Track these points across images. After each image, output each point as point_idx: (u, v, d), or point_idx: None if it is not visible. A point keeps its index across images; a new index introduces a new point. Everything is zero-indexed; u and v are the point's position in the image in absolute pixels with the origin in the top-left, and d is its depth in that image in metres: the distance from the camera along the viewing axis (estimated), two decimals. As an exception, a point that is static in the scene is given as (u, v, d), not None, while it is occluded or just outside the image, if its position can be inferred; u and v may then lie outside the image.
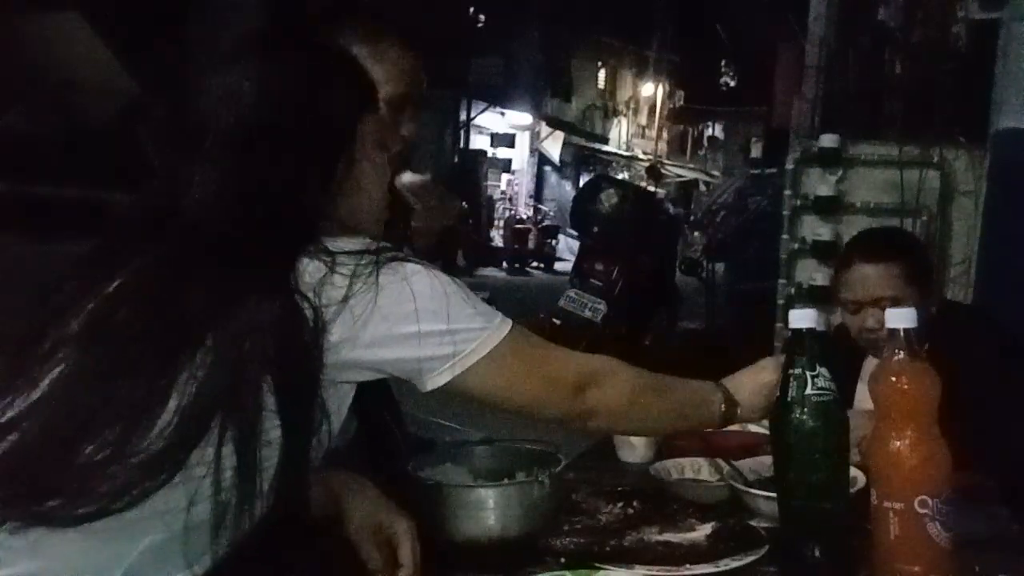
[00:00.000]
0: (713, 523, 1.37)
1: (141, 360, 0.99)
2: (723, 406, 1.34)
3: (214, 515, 1.00)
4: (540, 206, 21.98)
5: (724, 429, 1.88)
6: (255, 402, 0.99)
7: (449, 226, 1.93)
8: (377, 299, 1.06)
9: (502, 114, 21.62)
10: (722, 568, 1.23)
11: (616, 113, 28.20)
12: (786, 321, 1.57)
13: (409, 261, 1.12)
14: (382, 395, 1.86)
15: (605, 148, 26.83)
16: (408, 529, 1.24)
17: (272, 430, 1.02)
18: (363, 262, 1.08)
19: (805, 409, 1.19)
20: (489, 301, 1.47)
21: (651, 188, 8.87)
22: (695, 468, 1.66)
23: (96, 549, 0.98)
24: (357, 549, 1.24)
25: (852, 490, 1.30)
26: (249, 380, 0.99)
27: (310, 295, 1.04)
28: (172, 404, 0.97)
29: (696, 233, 10.48)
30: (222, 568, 1.06)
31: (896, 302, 1.84)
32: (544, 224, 19.85)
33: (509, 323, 1.17)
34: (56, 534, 0.96)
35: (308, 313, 1.03)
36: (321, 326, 1.03)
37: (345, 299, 1.05)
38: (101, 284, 1.03)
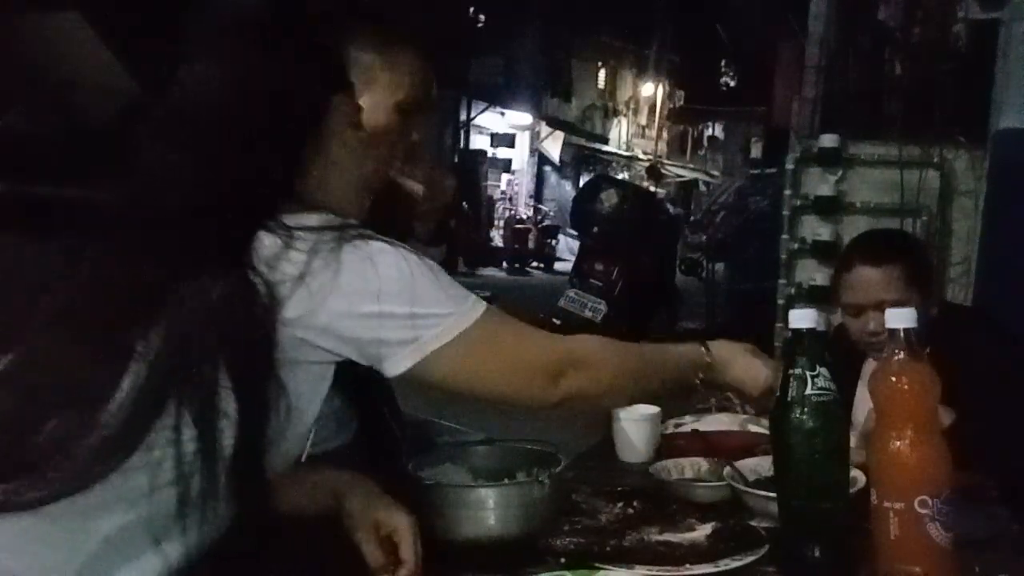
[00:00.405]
0: (713, 523, 1.37)
1: (94, 341, 0.96)
2: (707, 358, 1.41)
3: (179, 497, 0.97)
4: (540, 206, 21.98)
5: (724, 430, 1.90)
6: (210, 379, 0.96)
7: (448, 204, 1.92)
8: (338, 276, 1.03)
9: (502, 114, 21.63)
10: (722, 568, 1.23)
11: (616, 113, 28.20)
12: (786, 321, 1.57)
13: (376, 239, 1.08)
14: (382, 395, 1.86)
15: (605, 148, 26.84)
16: (409, 526, 1.24)
17: (231, 408, 0.99)
18: (325, 238, 1.04)
19: (805, 409, 1.19)
20: (490, 300, 1.46)
21: (651, 188, 8.87)
22: (695, 468, 1.66)
23: (54, 535, 0.95)
24: (358, 547, 1.24)
25: (852, 490, 1.30)
26: (202, 357, 0.96)
27: (264, 270, 1.00)
28: (126, 384, 0.94)
29: (696, 233, 10.48)
30: (204, 567, 1.05)
31: (898, 305, 1.83)
32: (544, 224, 19.86)
33: (482, 307, 1.13)
34: (10, 520, 0.93)
35: (261, 289, 1.00)
36: (274, 302, 1.00)
37: (302, 275, 1.01)
38: (60, 269, 0.99)
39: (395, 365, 1.09)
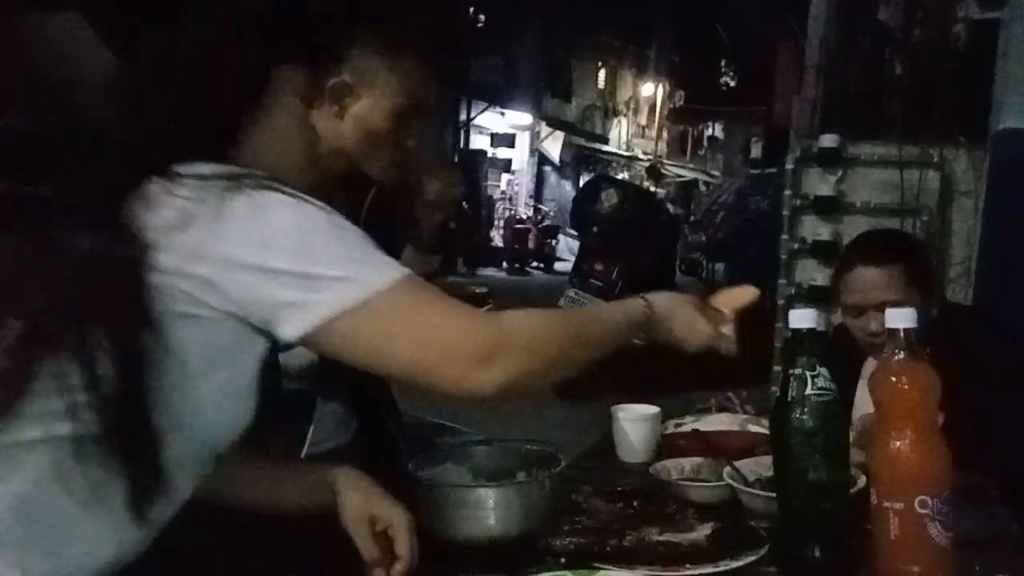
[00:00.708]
0: (713, 523, 1.37)
1: None
2: (646, 308, 1.29)
3: (75, 451, 0.94)
4: (540, 206, 21.98)
5: (724, 430, 1.90)
6: (86, 329, 0.93)
7: (455, 201, 1.93)
8: (222, 224, 0.95)
9: (502, 114, 21.63)
10: (722, 568, 1.23)
11: (616, 113, 28.20)
12: (786, 321, 1.57)
13: (279, 190, 1.00)
14: (380, 395, 1.86)
15: (605, 148, 26.84)
16: (405, 521, 1.24)
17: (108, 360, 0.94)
18: (214, 185, 0.97)
19: (805, 409, 1.19)
20: (488, 296, 1.47)
21: (651, 188, 8.87)
22: (695, 468, 1.66)
23: None
24: (354, 542, 1.24)
25: (852, 490, 1.30)
26: (75, 308, 0.93)
27: (142, 217, 0.95)
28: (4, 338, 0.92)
29: (696, 233, 10.49)
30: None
31: (898, 305, 1.83)
32: (544, 224, 19.86)
33: (395, 275, 1.02)
34: None
35: (135, 235, 0.94)
36: (146, 249, 0.94)
37: (184, 223, 0.95)
38: None
39: (285, 330, 0.99)
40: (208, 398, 1.00)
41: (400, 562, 1.22)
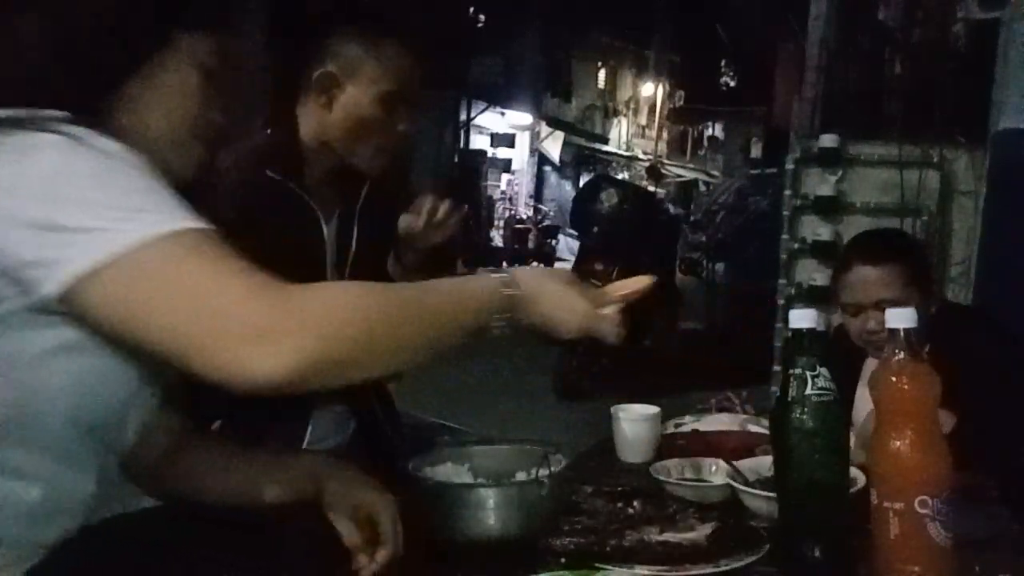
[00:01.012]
0: (713, 523, 1.37)
1: None
2: (507, 298, 1.08)
3: None
4: (540, 206, 21.98)
5: (724, 430, 1.90)
6: None
7: (450, 237, 1.91)
8: None
9: (502, 114, 21.62)
10: (722, 568, 1.22)
11: (616, 113, 28.21)
12: (786, 321, 1.57)
13: (58, 132, 0.90)
14: (378, 394, 1.86)
15: (605, 148, 26.84)
16: (388, 506, 1.23)
17: None
18: None
19: (805, 409, 1.19)
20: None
21: (651, 188, 8.86)
22: (695, 468, 1.66)
23: None
24: (336, 528, 1.24)
25: (852, 490, 1.30)
26: None
27: None
28: None
29: (696, 233, 10.49)
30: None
31: (896, 304, 1.84)
32: (544, 224, 19.86)
33: (164, 228, 0.88)
34: None
35: None
36: None
37: None
38: None
39: (43, 287, 0.87)
40: (34, 375, 0.93)
41: (385, 547, 1.21)
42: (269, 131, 1.74)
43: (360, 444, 1.79)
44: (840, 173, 4.32)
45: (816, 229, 4.33)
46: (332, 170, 1.74)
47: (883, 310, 1.83)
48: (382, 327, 0.95)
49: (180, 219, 0.90)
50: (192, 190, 1.04)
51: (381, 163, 1.74)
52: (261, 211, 1.61)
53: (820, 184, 4.33)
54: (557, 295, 1.14)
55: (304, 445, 1.68)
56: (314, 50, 1.68)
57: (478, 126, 20.94)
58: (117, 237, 0.86)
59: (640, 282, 1.27)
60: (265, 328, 0.87)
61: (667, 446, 1.81)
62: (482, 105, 20.08)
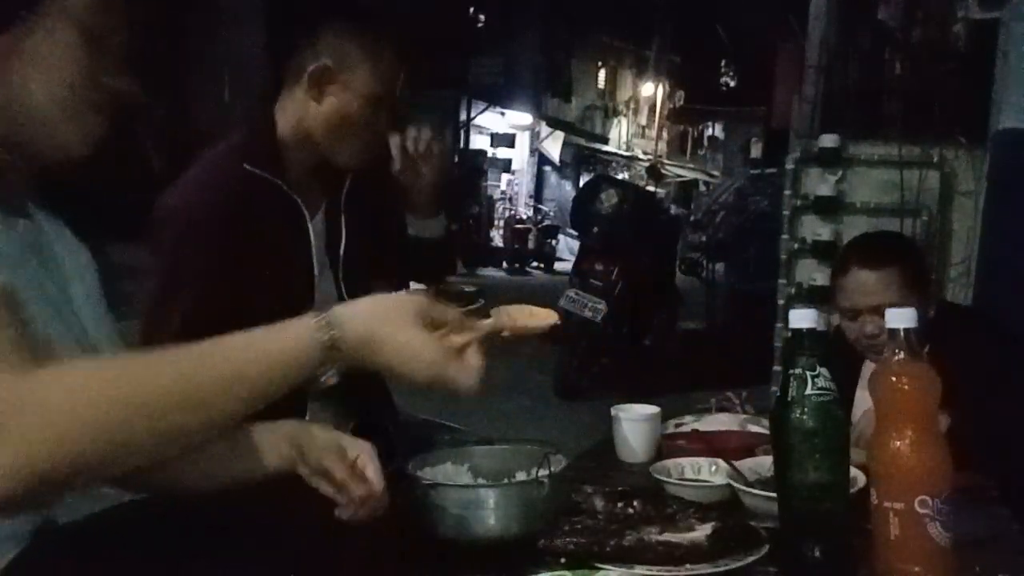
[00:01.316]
0: (713, 523, 1.37)
1: None
2: (326, 347, 0.93)
3: None
4: (540, 206, 21.97)
5: (724, 430, 1.90)
6: None
7: (437, 168, 1.88)
8: None
9: (502, 114, 21.63)
10: (722, 568, 1.22)
11: (616, 113, 28.21)
12: (786, 321, 1.57)
13: None
14: (377, 394, 1.86)
15: (605, 148, 26.84)
16: (369, 448, 1.20)
17: None
18: None
19: (805, 409, 1.19)
20: (480, 297, 1.43)
21: (651, 188, 8.84)
22: (695, 468, 1.66)
23: None
24: (319, 477, 1.18)
25: (852, 490, 1.30)
26: None
27: None
28: None
29: (696, 233, 10.49)
30: None
31: (894, 307, 1.84)
32: (544, 224, 19.85)
33: None
34: None
35: None
36: None
37: None
38: None
39: None
40: None
41: (368, 487, 1.17)
42: (246, 127, 1.76)
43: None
44: (840, 173, 4.32)
45: (816, 229, 4.33)
46: (312, 165, 1.75)
47: (881, 314, 1.83)
48: (141, 418, 0.80)
49: None
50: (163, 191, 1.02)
51: (359, 162, 1.76)
52: (242, 207, 1.63)
53: (820, 184, 4.33)
54: (397, 339, 0.97)
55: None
56: (306, 43, 1.69)
57: (478, 126, 20.94)
58: None
59: (534, 321, 1.16)
60: None
61: (667, 446, 1.81)
62: (482, 105, 20.08)
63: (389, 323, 0.98)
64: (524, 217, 20.46)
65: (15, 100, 0.97)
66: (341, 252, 1.79)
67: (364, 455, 1.20)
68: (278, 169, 1.69)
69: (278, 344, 0.91)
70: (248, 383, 0.88)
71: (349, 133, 1.71)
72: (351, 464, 1.19)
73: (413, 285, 1.77)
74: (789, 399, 1.21)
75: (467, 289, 1.75)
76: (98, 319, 1.11)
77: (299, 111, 1.70)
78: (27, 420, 0.73)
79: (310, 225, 1.73)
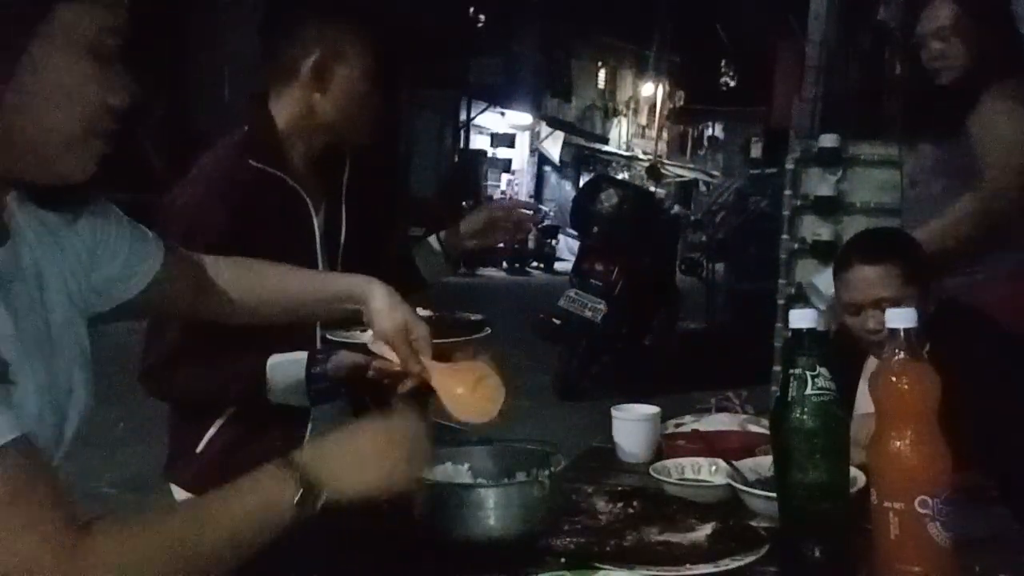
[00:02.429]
0: (713, 523, 1.37)
1: None
2: (298, 496, 1.00)
3: None
4: (540, 206, 21.98)
5: (724, 430, 1.90)
6: None
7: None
8: None
9: (502, 114, 21.64)
10: (722, 568, 1.23)
11: (616, 113, 28.23)
12: (786, 321, 1.57)
13: None
14: (376, 395, 1.86)
15: (605, 148, 26.85)
16: (427, 332, 1.33)
17: None
18: None
19: (805, 409, 1.19)
20: (484, 325, 1.47)
21: (651, 188, 8.86)
22: (695, 468, 1.66)
23: None
24: (386, 341, 1.34)
25: (852, 490, 1.30)
26: None
27: None
28: None
29: (696, 233, 10.50)
30: None
31: (896, 303, 1.86)
32: (544, 224, 19.86)
33: None
34: None
35: None
36: None
37: None
38: None
39: None
40: None
41: (425, 369, 1.32)
42: (246, 126, 1.77)
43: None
44: (840, 173, 4.32)
45: (816, 229, 4.32)
46: (313, 158, 1.77)
47: (883, 309, 1.86)
48: (178, 566, 0.92)
49: None
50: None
51: (372, 134, 1.80)
52: (249, 202, 1.64)
53: (820, 184, 4.33)
54: (352, 464, 1.08)
55: (305, 443, 1.68)
56: (291, 41, 1.71)
57: (478, 126, 20.95)
58: None
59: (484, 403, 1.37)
60: None
61: (667, 446, 1.81)
62: (482, 105, 20.09)
63: (346, 451, 1.10)
64: (524, 217, 20.43)
65: (16, 135, 0.90)
66: (341, 243, 1.80)
67: (422, 339, 1.32)
68: (281, 163, 1.71)
69: (270, 493, 1.00)
70: (247, 537, 0.98)
71: (361, 109, 1.75)
72: (410, 342, 1.32)
73: (420, 311, 1.78)
74: (789, 399, 1.21)
75: (472, 317, 1.75)
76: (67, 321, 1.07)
77: (301, 105, 1.73)
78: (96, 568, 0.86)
79: (315, 219, 1.75)
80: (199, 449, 1.67)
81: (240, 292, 1.34)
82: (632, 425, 1.83)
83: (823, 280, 2.39)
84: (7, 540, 0.83)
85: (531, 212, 2.02)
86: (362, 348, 1.55)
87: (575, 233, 9.89)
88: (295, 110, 1.73)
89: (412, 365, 1.32)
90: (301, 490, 1.00)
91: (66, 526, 0.86)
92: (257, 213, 1.65)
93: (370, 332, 1.43)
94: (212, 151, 1.75)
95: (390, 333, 1.32)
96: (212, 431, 1.67)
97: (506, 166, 22.09)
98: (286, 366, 1.63)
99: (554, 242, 19.28)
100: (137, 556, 0.89)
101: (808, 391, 1.19)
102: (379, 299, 1.33)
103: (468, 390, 1.35)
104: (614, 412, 1.85)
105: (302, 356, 1.63)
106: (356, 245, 1.81)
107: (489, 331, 1.67)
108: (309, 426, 1.69)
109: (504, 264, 18.17)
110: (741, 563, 1.24)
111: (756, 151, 21.69)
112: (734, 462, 1.59)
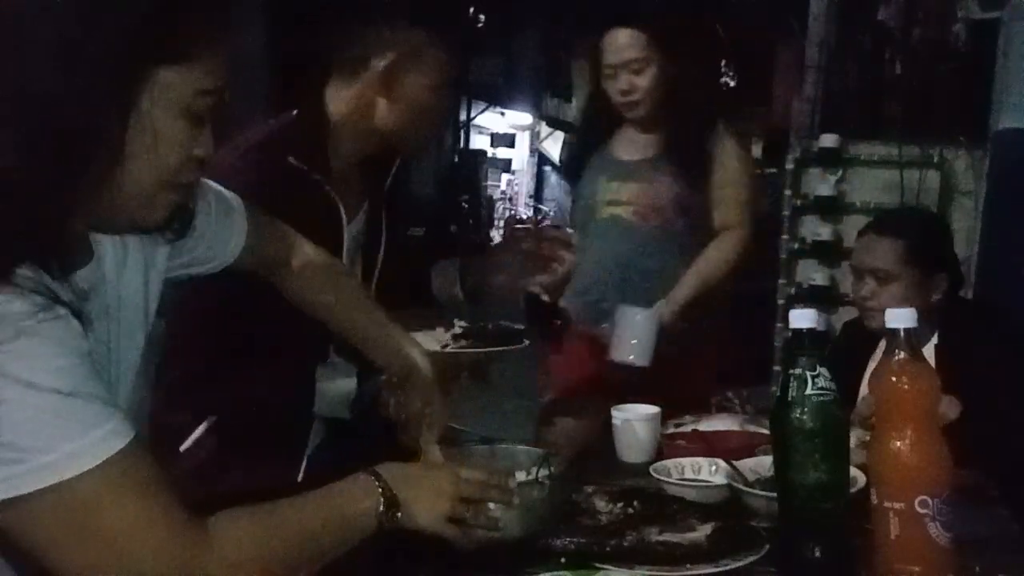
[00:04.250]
0: (713, 523, 1.37)
1: None
2: (381, 507, 1.07)
3: None
4: (540, 206, 21.97)
5: (724, 430, 1.90)
6: None
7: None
8: None
9: (502, 114, 21.61)
10: (722, 568, 1.23)
11: (616, 113, 28.18)
12: (786, 321, 1.57)
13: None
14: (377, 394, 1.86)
15: (605, 148, 26.80)
16: (443, 421, 1.38)
17: None
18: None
19: (805, 409, 1.19)
20: (525, 335, 1.47)
21: (651, 188, 8.84)
22: (695, 468, 1.66)
23: None
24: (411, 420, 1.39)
25: (852, 490, 1.30)
26: None
27: None
28: None
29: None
30: None
31: (889, 277, 1.97)
32: (544, 224, 19.85)
33: (90, 460, 0.84)
34: None
35: None
36: None
37: None
38: None
39: None
40: None
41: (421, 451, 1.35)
42: (296, 114, 1.68)
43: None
44: (840, 173, 4.32)
45: (816, 229, 4.33)
46: (358, 161, 1.70)
47: (878, 279, 1.95)
48: (278, 559, 0.99)
49: (101, 444, 0.85)
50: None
51: (425, 146, 1.77)
52: (279, 201, 1.50)
53: (820, 184, 4.33)
54: (429, 498, 1.14)
55: (308, 451, 1.67)
56: (367, 36, 1.65)
57: (478, 126, 20.93)
58: (27, 476, 0.82)
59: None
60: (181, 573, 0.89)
61: (667, 446, 1.81)
62: (482, 105, 20.07)
63: (425, 481, 1.16)
64: (524, 217, 20.45)
65: (107, 184, 0.91)
66: (380, 255, 1.76)
67: (435, 423, 1.37)
68: (323, 165, 1.61)
69: (351, 506, 1.08)
70: (330, 538, 1.06)
71: (423, 119, 1.70)
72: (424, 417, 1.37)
73: (457, 323, 1.77)
74: (789, 399, 1.21)
75: (514, 326, 1.74)
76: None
77: (362, 104, 1.64)
78: (221, 566, 0.91)
79: (345, 230, 1.66)
80: (183, 448, 1.61)
81: (314, 291, 1.44)
82: (632, 425, 1.83)
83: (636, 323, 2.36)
84: (141, 534, 0.87)
85: (567, 241, 1.81)
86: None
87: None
88: (353, 109, 1.64)
89: (412, 442, 1.36)
90: (383, 502, 1.06)
91: (189, 518, 0.91)
92: (287, 216, 1.50)
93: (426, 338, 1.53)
94: (247, 139, 1.64)
95: (411, 412, 1.38)
96: (200, 432, 1.61)
97: (506, 166, 22.07)
98: (338, 381, 1.65)
99: (554, 242, 19.26)
100: (256, 547, 0.96)
101: (808, 391, 1.19)
102: (417, 375, 1.40)
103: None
104: (614, 412, 1.85)
105: (352, 373, 1.67)
106: (395, 257, 1.77)
107: (528, 343, 1.68)
108: (312, 432, 1.68)
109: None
110: (741, 563, 1.24)
111: (756, 151, 21.69)
112: (734, 462, 1.59)
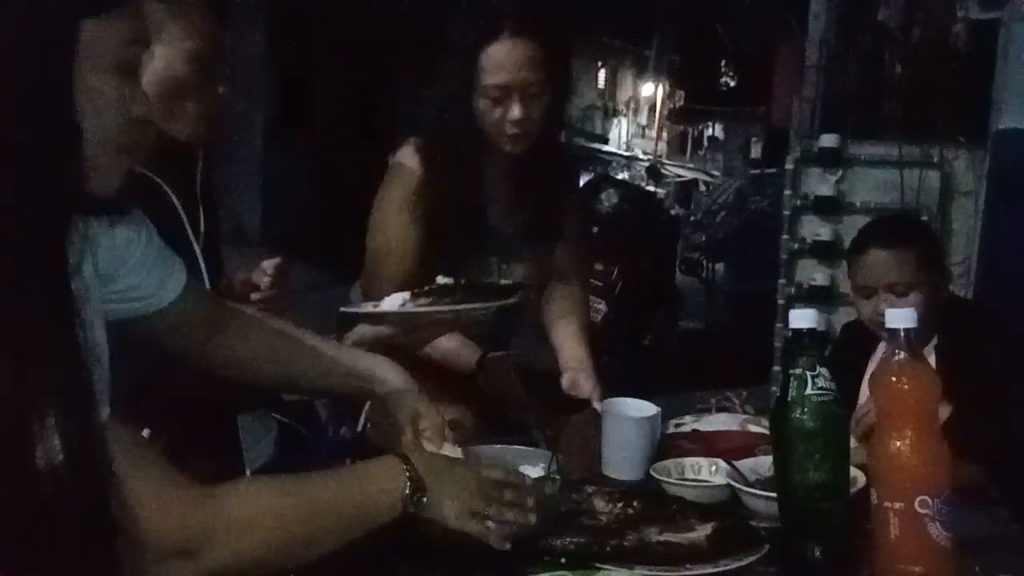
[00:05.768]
0: (713, 523, 1.37)
1: None
2: (408, 490, 1.08)
3: None
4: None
5: (724, 430, 1.90)
6: None
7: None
8: None
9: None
10: (722, 568, 1.23)
11: (616, 113, 28.21)
12: (786, 321, 1.57)
13: None
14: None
15: (605, 148, 26.83)
16: (440, 425, 1.35)
17: None
18: None
19: (805, 409, 1.19)
20: (518, 288, 1.42)
21: (651, 188, 8.86)
22: (695, 468, 1.66)
23: None
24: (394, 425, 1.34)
25: (852, 490, 1.30)
26: None
27: None
28: None
29: (696, 233, 10.50)
30: None
31: (909, 288, 1.89)
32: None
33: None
34: None
35: None
36: None
37: None
38: None
39: None
40: None
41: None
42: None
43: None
44: (840, 173, 4.32)
45: (816, 229, 4.33)
46: (159, 150, 1.51)
47: (896, 293, 1.88)
48: (286, 539, 1.00)
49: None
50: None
51: (200, 131, 1.60)
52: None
53: (820, 184, 4.33)
54: (456, 490, 1.14)
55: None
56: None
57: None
58: None
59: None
60: (196, 546, 0.92)
61: (667, 446, 1.80)
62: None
63: (450, 472, 1.17)
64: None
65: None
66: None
67: (433, 429, 1.32)
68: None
69: (378, 489, 1.08)
70: (356, 520, 1.08)
71: (181, 96, 1.57)
72: (419, 432, 1.31)
73: (440, 279, 1.62)
74: (789, 399, 1.21)
75: (503, 282, 1.68)
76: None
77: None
78: (222, 534, 0.93)
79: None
80: None
81: (254, 351, 1.33)
82: (626, 425, 1.69)
83: None
84: (164, 499, 0.91)
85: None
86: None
87: (575, 233, 9.86)
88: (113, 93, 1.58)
89: (409, 444, 1.32)
90: (410, 485, 1.07)
91: (201, 487, 0.94)
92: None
93: (388, 300, 1.44)
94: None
95: (401, 421, 1.33)
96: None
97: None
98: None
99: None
100: (272, 516, 0.98)
101: (808, 391, 1.19)
102: (393, 384, 1.34)
103: None
104: (604, 407, 1.72)
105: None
106: (212, 247, 1.67)
107: (521, 295, 1.59)
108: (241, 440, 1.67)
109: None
110: (741, 563, 1.24)
111: (756, 151, 21.65)
112: (734, 462, 1.59)
